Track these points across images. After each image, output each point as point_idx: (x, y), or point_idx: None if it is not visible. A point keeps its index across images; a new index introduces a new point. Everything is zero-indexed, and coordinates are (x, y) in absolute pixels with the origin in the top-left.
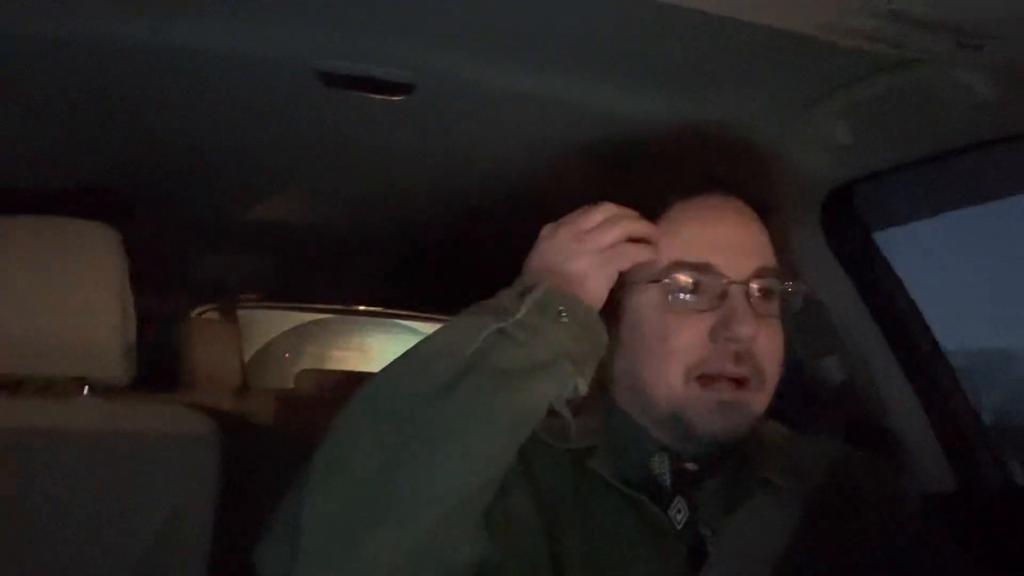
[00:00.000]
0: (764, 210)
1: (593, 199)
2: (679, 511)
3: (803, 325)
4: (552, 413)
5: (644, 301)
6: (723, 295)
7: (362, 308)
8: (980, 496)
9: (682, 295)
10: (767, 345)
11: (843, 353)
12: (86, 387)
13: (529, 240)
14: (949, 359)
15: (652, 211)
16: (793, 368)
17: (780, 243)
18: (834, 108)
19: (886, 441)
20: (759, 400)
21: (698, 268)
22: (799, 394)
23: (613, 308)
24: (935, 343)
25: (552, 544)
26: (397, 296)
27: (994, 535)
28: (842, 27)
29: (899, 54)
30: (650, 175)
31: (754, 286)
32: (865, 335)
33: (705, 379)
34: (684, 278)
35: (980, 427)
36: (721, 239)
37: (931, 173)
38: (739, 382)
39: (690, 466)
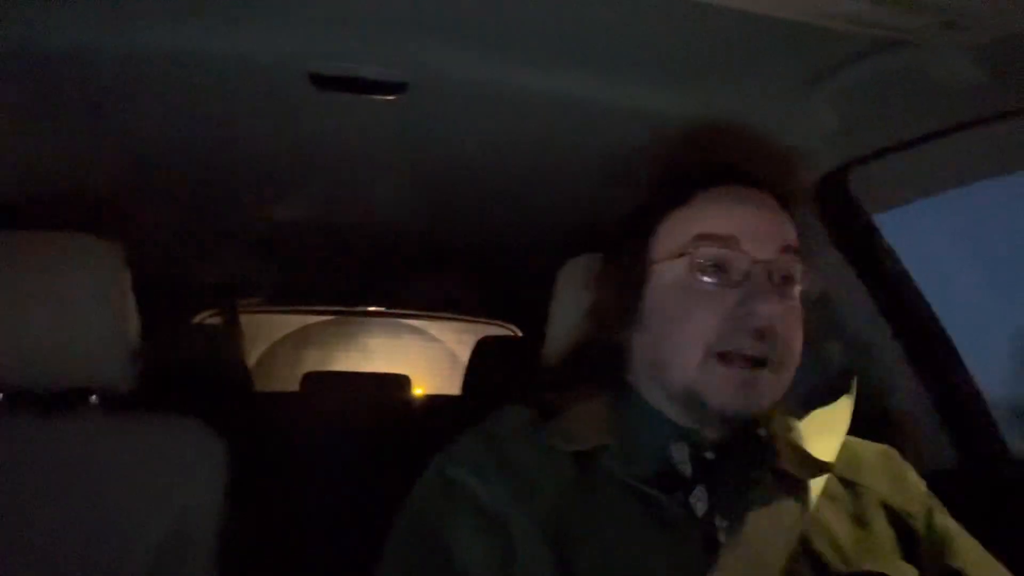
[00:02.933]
0: (788, 201)
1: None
2: (699, 499)
3: (812, 310)
4: (556, 413)
5: (667, 278)
6: (746, 274)
7: (364, 309)
8: (983, 474)
9: (705, 273)
10: (788, 326)
11: (844, 336)
12: (91, 397)
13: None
14: (950, 338)
15: (680, 195)
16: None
17: (805, 233)
18: (825, 92)
19: (890, 422)
20: (778, 380)
21: (723, 241)
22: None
23: (635, 285)
24: (936, 321)
25: (561, 560)
26: (399, 296)
27: (997, 512)
28: (831, 11)
29: (887, 36)
30: (665, 165)
31: (777, 267)
32: (865, 317)
33: (724, 357)
34: (709, 251)
35: (983, 405)
36: (747, 220)
37: (924, 154)
38: (757, 361)
39: (709, 455)
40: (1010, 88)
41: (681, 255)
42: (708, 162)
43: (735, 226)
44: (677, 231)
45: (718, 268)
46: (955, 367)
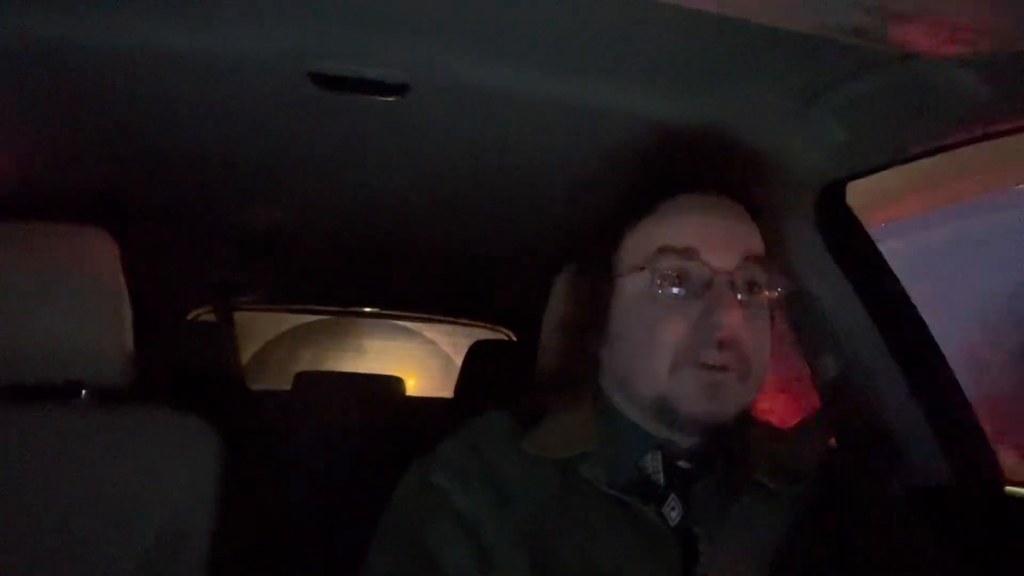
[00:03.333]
0: (756, 209)
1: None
2: (673, 508)
3: (798, 320)
4: (538, 421)
5: (630, 291)
6: (708, 284)
7: (358, 309)
8: (975, 490)
9: (668, 285)
10: (752, 336)
11: (838, 348)
12: (84, 391)
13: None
14: (944, 353)
15: (642, 206)
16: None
17: (774, 241)
18: (828, 105)
19: (882, 436)
20: (745, 387)
21: (684, 253)
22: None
23: (602, 298)
24: (930, 337)
25: (539, 567)
26: (393, 297)
27: (988, 529)
28: (836, 25)
29: (892, 51)
30: (645, 174)
31: (740, 277)
32: (860, 330)
33: (690, 366)
34: (670, 264)
35: (975, 421)
36: (707, 227)
37: (924, 168)
38: (722, 369)
39: (683, 464)
40: (1012, 104)
41: (643, 268)
42: (672, 169)
43: (695, 237)
44: (640, 244)
45: (680, 279)
46: (949, 382)
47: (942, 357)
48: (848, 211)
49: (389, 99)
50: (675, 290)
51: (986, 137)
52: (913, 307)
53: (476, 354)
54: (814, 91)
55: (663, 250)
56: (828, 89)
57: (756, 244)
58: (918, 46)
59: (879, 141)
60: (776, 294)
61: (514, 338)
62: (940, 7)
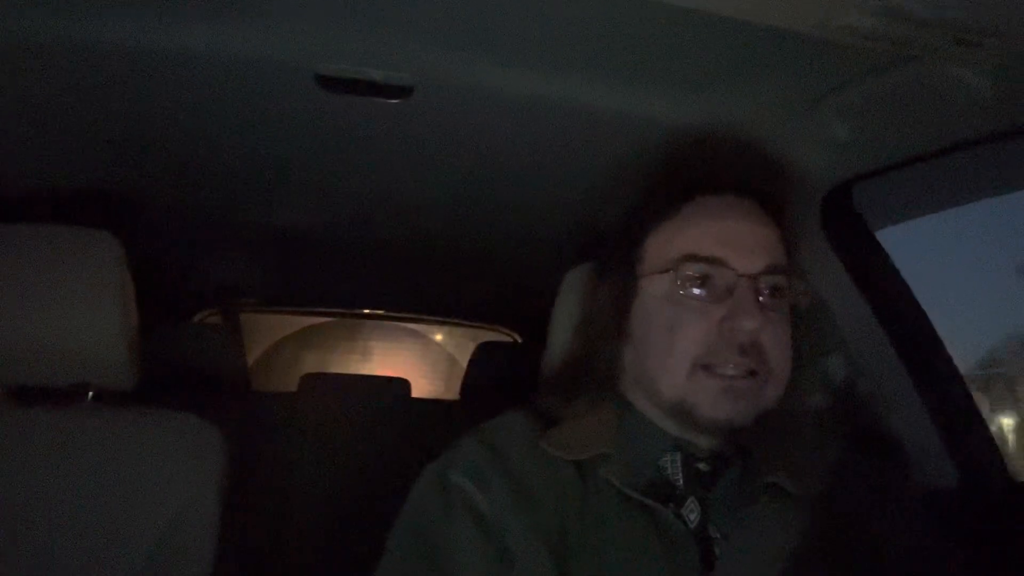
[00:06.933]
0: (778, 210)
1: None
2: (692, 511)
3: (805, 323)
4: (557, 422)
5: (653, 292)
6: (731, 289)
7: (365, 311)
8: (983, 493)
9: (691, 287)
10: (774, 339)
11: (845, 351)
12: (90, 394)
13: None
14: (951, 355)
15: (665, 208)
16: (795, 366)
17: (792, 243)
18: (834, 106)
19: (889, 439)
20: (766, 391)
21: (708, 261)
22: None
23: (624, 299)
24: (937, 340)
25: (561, 568)
26: (400, 299)
27: (997, 532)
28: (841, 26)
29: (898, 52)
30: (666, 175)
31: (763, 282)
32: (866, 332)
33: (709, 368)
34: (694, 270)
35: (982, 424)
36: (733, 235)
37: (931, 170)
38: (742, 376)
39: (702, 466)
40: (1018, 104)
41: (666, 271)
42: (695, 172)
43: (721, 243)
44: (663, 247)
45: (703, 282)
46: (955, 386)
47: (949, 360)
48: (855, 213)
49: (395, 101)
50: (697, 291)
51: (992, 138)
52: (920, 310)
53: (481, 356)
54: (819, 92)
55: (688, 257)
56: (833, 90)
57: (778, 248)
58: (924, 47)
59: (885, 142)
60: (797, 298)
61: (519, 339)
62: (945, 8)
